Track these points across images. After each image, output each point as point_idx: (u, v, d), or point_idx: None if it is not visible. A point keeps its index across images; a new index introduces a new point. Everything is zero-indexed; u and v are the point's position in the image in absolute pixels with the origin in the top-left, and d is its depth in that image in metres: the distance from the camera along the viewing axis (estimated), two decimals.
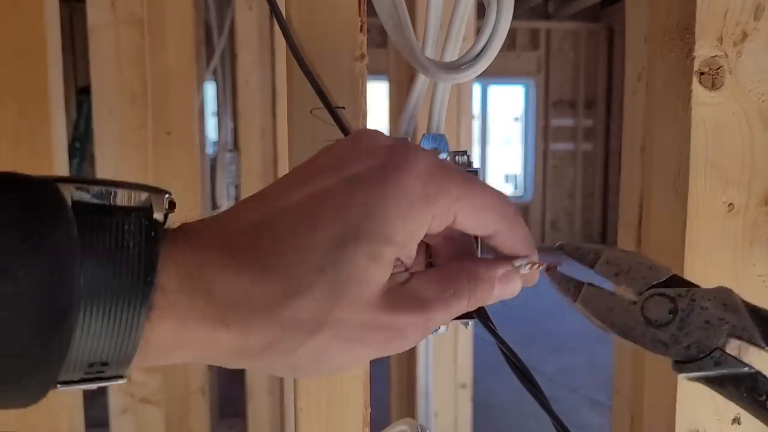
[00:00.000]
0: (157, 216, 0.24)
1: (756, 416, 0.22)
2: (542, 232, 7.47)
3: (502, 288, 0.30)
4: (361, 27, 0.45)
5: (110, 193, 0.23)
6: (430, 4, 0.48)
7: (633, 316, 0.25)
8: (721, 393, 0.23)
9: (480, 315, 0.49)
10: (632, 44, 0.60)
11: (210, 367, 2.27)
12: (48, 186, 0.22)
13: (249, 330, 0.25)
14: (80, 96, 5.27)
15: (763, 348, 0.22)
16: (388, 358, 1.66)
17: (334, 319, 0.25)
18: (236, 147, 2.72)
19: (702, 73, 0.52)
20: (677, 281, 0.25)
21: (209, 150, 3.16)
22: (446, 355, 1.58)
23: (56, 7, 0.99)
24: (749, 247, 0.53)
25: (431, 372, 0.59)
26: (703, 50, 0.52)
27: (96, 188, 0.23)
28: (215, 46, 2.63)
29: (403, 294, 0.28)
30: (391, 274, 0.27)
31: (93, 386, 0.24)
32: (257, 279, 0.25)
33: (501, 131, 7.54)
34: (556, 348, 4.22)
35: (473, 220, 0.29)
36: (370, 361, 0.59)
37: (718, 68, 0.52)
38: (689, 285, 0.25)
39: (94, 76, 1.38)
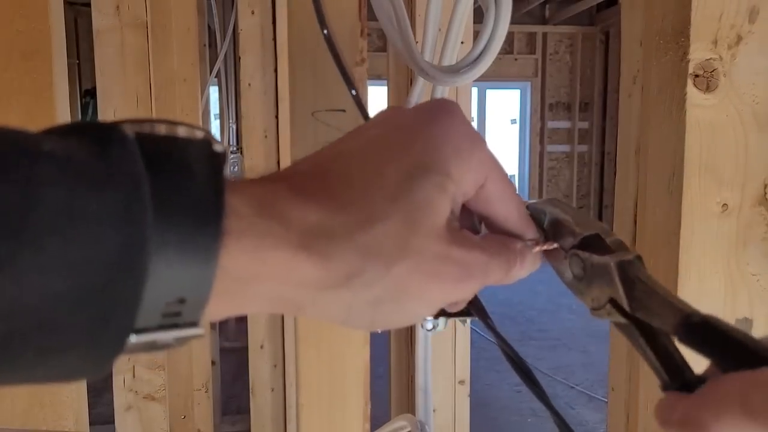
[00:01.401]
0: (217, 149, 0.23)
1: (644, 359, 0.27)
2: None
3: (523, 263, 0.31)
4: (362, 31, 0.46)
5: (172, 128, 0.22)
6: (429, 9, 0.49)
7: (566, 270, 0.31)
8: (625, 336, 0.29)
9: (479, 313, 0.50)
10: (627, 47, 0.60)
11: (213, 364, 2.28)
12: (108, 125, 0.21)
13: (330, 256, 0.24)
14: (85, 97, 5.30)
15: (628, 312, 0.28)
16: (388, 354, 1.67)
17: (413, 247, 0.25)
18: (239, 148, 2.74)
19: (696, 76, 0.52)
20: (590, 241, 0.30)
21: None
22: (445, 352, 1.59)
23: (61, 10, 1.00)
24: (743, 247, 0.54)
25: (430, 369, 0.60)
26: (698, 53, 0.52)
27: (150, 124, 0.22)
28: (218, 49, 2.65)
29: (462, 235, 0.28)
30: (452, 225, 0.28)
31: (170, 337, 0.22)
32: (332, 210, 0.25)
33: (498, 133, 7.58)
34: (553, 345, 4.23)
35: (500, 188, 0.29)
36: (370, 359, 0.60)
37: (712, 71, 0.53)
38: (594, 251, 0.30)
39: (99, 79, 1.40)
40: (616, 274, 0.28)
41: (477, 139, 0.28)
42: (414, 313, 0.27)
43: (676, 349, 0.26)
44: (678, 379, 0.25)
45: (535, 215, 0.33)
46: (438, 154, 0.27)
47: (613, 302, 0.29)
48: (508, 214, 0.31)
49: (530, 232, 0.32)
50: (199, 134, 0.23)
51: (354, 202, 0.25)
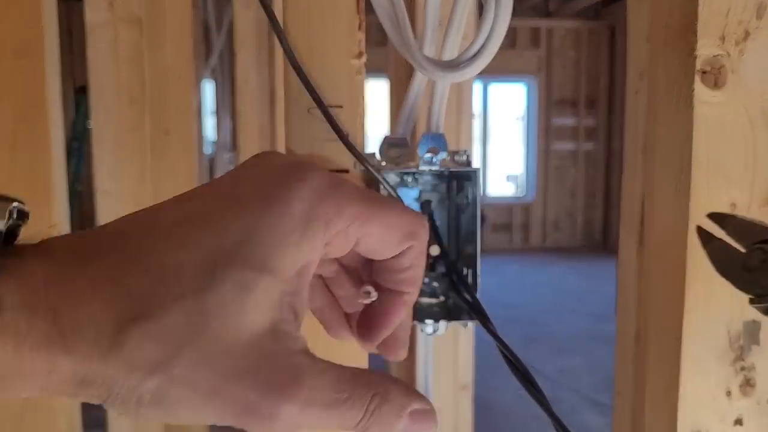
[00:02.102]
0: None
1: None
2: (544, 232, 7.51)
3: (412, 426, 0.24)
4: (360, 25, 0.45)
5: None
6: (428, 2, 0.48)
7: (737, 263, 0.33)
8: None
9: (480, 316, 0.49)
10: (634, 43, 0.59)
11: None
12: None
13: (90, 358, 0.21)
14: (78, 95, 5.28)
15: None
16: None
17: (181, 361, 0.21)
18: (235, 146, 2.73)
19: (704, 72, 0.52)
20: None
21: (208, 149, 3.16)
22: (446, 356, 1.57)
23: (54, 6, 0.98)
24: None
25: (430, 372, 0.59)
26: (705, 49, 0.51)
27: None
28: (214, 45, 2.63)
29: (281, 360, 0.23)
30: (281, 333, 0.23)
31: None
32: (107, 300, 0.22)
33: (502, 130, 7.57)
34: (557, 349, 4.22)
35: (378, 240, 0.27)
36: (370, 362, 0.58)
37: (720, 67, 0.52)
38: None
39: (92, 75, 1.38)
40: None
41: (322, 212, 0.24)
42: (202, 421, 0.23)
43: None
44: None
45: (719, 225, 0.36)
46: (255, 245, 0.23)
47: None
48: (396, 260, 0.28)
49: (417, 280, 0.29)
50: None
51: (135, 294, 0.22)
